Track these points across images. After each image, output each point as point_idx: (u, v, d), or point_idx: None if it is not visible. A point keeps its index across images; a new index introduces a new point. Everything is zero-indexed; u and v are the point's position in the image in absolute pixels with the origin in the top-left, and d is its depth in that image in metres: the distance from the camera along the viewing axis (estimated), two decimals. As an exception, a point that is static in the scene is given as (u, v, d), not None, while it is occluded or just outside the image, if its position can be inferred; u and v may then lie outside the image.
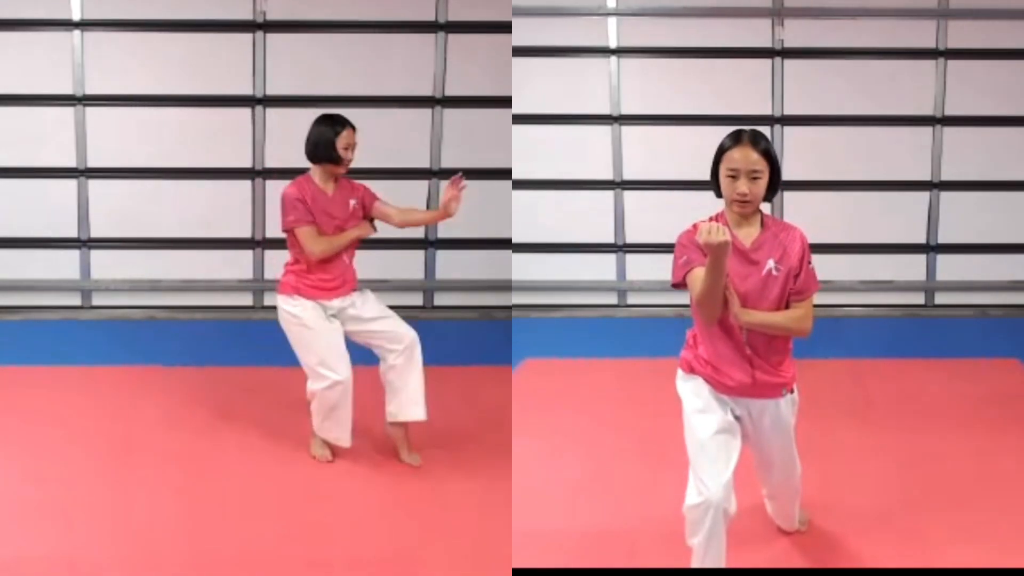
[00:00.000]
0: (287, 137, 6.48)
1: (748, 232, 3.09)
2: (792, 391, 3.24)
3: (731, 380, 3.12)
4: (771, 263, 3.05)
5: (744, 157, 2.98)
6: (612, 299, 7.18)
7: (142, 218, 6.56)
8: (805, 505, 3.70)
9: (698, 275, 2.99)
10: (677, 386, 3.24)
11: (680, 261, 3.08)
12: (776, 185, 3.06)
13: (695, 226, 3.00)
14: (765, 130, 6.77)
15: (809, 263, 3.09)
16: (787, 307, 3.08)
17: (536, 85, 6.80)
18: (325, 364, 4.09)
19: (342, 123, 4.08)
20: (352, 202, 4.17)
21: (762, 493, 3.62)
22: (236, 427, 4.62)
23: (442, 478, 4.16)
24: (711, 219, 3.03)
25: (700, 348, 3.18)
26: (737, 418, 3.17)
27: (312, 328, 4.09)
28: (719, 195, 3.10)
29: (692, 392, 3.18)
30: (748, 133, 3.03)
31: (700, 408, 3.14)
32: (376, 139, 6.50)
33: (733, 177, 2.99)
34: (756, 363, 3.11)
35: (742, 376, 3.11)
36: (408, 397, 4.21)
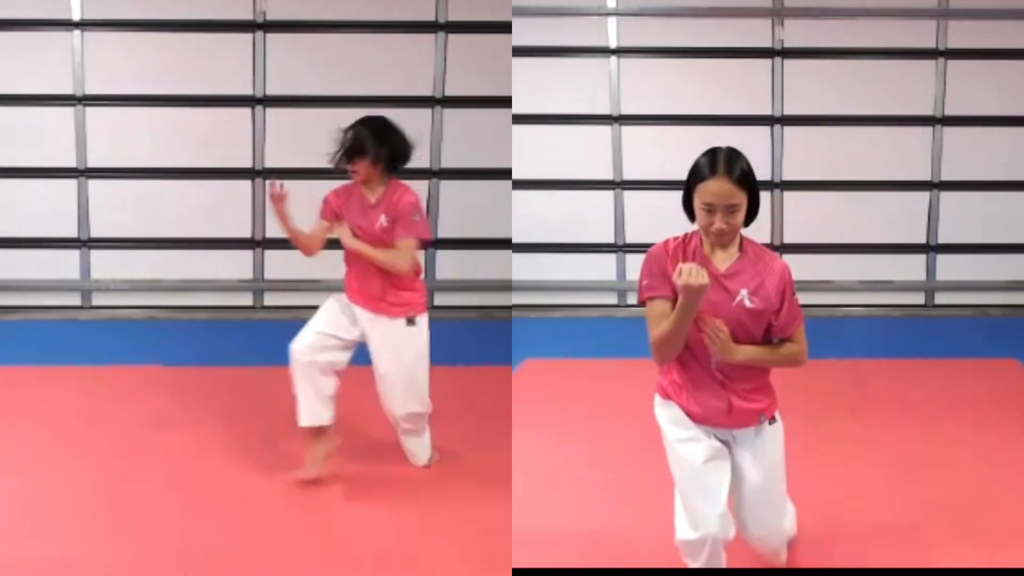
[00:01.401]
0: (287, 137, 6.50)
1: (724, 256, 2.84)
2: (774, 419, 3.01)
3: (703, 408, 2.91)
4: (744, 293, 2.81)
5: (720, 190, 2.70)
6: (612, 299, 7.19)
7: (142, 218, 6.56)
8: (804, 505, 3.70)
9: (659, 310, 2.82)
10: (655, 413, 3.07)
11: (643, 283, 2.89)
12: (755, 211, 2.81)
13: (665, 244, 2.85)
14: (765, 130, 6.86)
15: (792, 296, 2.83)
16: (768, 342, 2.87)
17: (536, 85, 6.80)
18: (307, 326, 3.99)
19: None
20: (383, 218, 3.88)
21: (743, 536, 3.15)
22: (236, 427, 4.62)
23: (442, 478, 4.16)
24: (685, 239, 2.85)
25: (674, 372, 3.00)
26: (723, 442, 2.99)
27: (323, 307, 4.03)
28: (692, 220, 2.84)
29: (671, 421, 2.99)
30: (723, 159, 2.73)
31: (684, 437, 2.94)
32: (376, 139, 6.53)
33: (708, 211, 2.73)
34: (729, 387, 2.90)
35: (716, 402, 2.90)
36: (406, 448, 4.24)
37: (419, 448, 4.22)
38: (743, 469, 2.98)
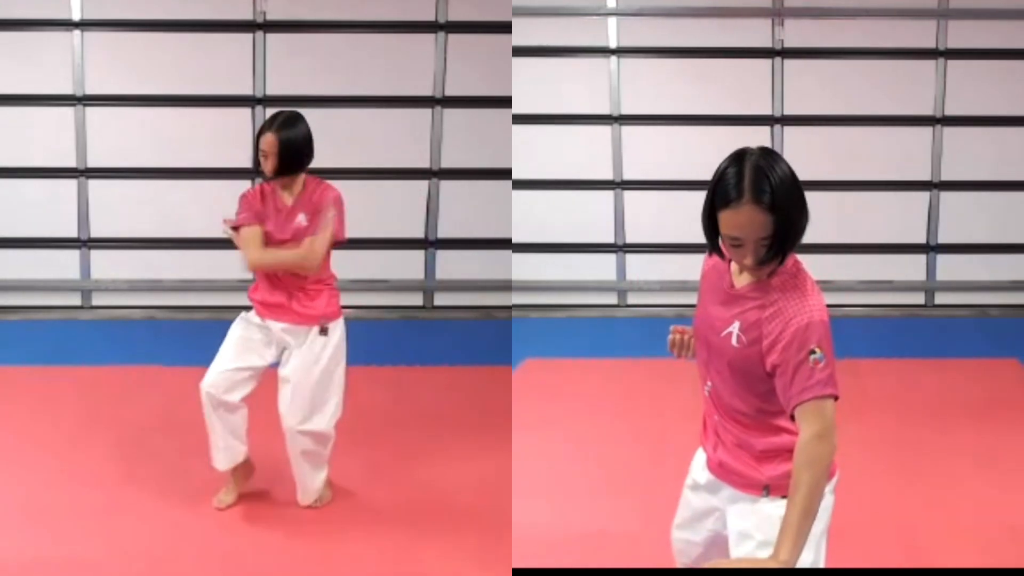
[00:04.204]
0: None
1: (746, 277, 2.25)
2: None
3: (705, 452, 2.43)
4: (736, 326, 2.21)
5: (747, 221, 2.07)
6: (612, 299, 7.19)
7: (142, 218, 6.56)
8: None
9: None
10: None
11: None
12: (797, 231, 2.12)
13: (709, 257, 2.35)
14: (765, 130, 6.86)
15: (807, 358, 2.14)
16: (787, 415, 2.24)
17: (536, 85, 6.80)
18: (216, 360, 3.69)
19: (268, 122, 3.59)
20: (301, 217, 3.60)
21: None
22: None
23: (442, 478, 4.16)
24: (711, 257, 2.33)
25: None
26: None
27: (230, 334, 3.73)
28: (715, 248, 2.23)
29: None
30: (750, 182, 2.05)
31: (688, 484, 2.52)
32: (376, 139, 6.54)
33: (736, 245, 2.13)
34: (723, 436, 2.37)
35: (710, 451, 2.43)
36: (297, 478, 3.83)
37: (312, 481, 3.82)
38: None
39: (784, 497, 2.21)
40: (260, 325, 3.69)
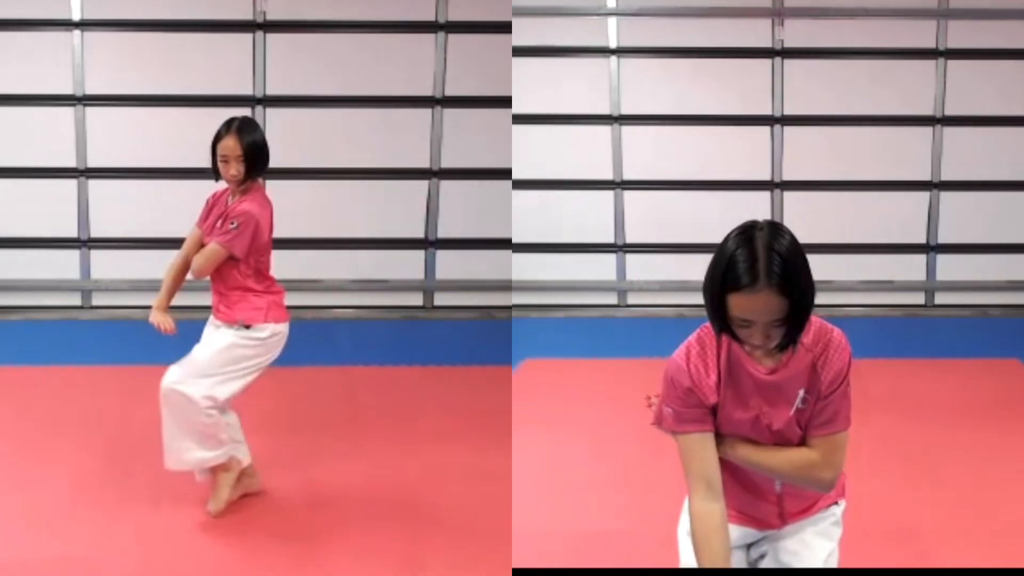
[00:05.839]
0: (287, 137, 6.49)
1: (764, 354, 2.13)
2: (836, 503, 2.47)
3: (744, 515, 2.36)
4: (801, 394, 2.14)
5: (762, 305, 1.96)
6: (612, 299, 7.19)
7: (142, 218, 6.56)
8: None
9: (694, 445, 2.19)
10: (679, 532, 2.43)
11: (664, 409, 2.26)
12: (809, 310, 2.03)
13: (686, 358, 2.18)
14: (765, 130, 6.86)
15: (845, 388, 2.14)
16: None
17: (536, 85, 6.80)
18: None
19: (226, 127, 3.56)
20: (219, 222, 3.65)
21: None
22: (236, 427, 4.61)
23: (442, 478, 4.15)
24: (702, 344, 2.18)
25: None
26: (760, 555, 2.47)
27: None
28: (722, 330, 2.08)
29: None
30: (764, 266, 1.94)
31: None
32: (376, 139, 6.54)
33: (745, 326, 2.01)
34: (786, 500, 2.35)
35: (766, 508, 2.37)
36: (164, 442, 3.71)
37: (179, 446, 3.65)
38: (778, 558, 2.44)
39: (836, 504, 2.46)
40: (213, 323, 3.77)
